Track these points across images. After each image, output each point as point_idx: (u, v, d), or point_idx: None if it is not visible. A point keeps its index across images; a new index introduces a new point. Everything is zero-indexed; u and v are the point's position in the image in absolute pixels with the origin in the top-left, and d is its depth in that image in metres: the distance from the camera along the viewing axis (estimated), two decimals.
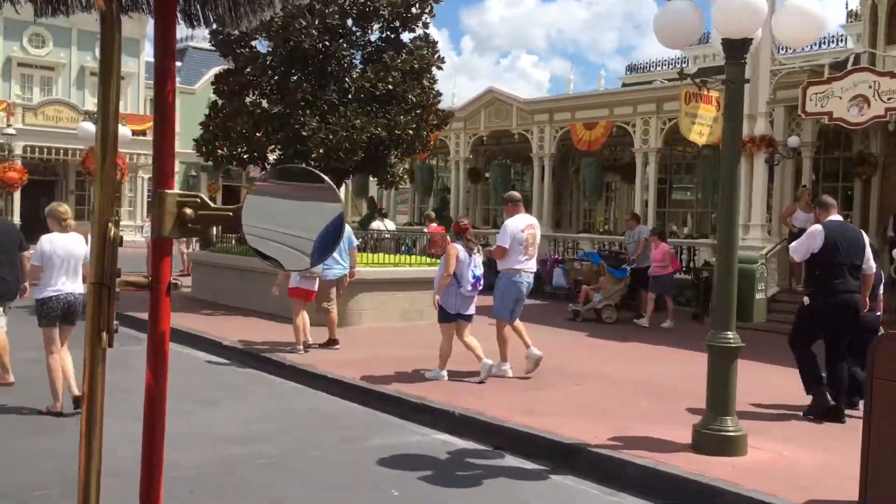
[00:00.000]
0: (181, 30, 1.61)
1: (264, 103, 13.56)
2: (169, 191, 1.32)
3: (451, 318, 8.57)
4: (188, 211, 1.31)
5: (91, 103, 31.63)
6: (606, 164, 21.13)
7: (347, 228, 10.57)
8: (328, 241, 1.36)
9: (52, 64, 32.98)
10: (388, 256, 13.49)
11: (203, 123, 14.55)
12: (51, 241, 6.87)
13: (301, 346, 9.86)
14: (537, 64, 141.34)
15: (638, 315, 13.72)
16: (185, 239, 21.58)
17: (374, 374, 8.71)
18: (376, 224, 17.39)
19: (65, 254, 6.80)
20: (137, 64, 35.42)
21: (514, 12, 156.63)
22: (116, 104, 1.30)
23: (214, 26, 1.64)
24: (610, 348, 11.43)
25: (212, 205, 1.34)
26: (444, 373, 8.57)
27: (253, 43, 14.20)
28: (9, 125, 28.49)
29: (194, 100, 38.78)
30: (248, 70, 13.93)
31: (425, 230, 18.00)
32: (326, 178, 1.35)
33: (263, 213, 1.32)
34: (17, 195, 28.99)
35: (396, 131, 13.44)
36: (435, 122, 14.48)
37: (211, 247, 14.22)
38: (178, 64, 39.51)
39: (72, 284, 6.87)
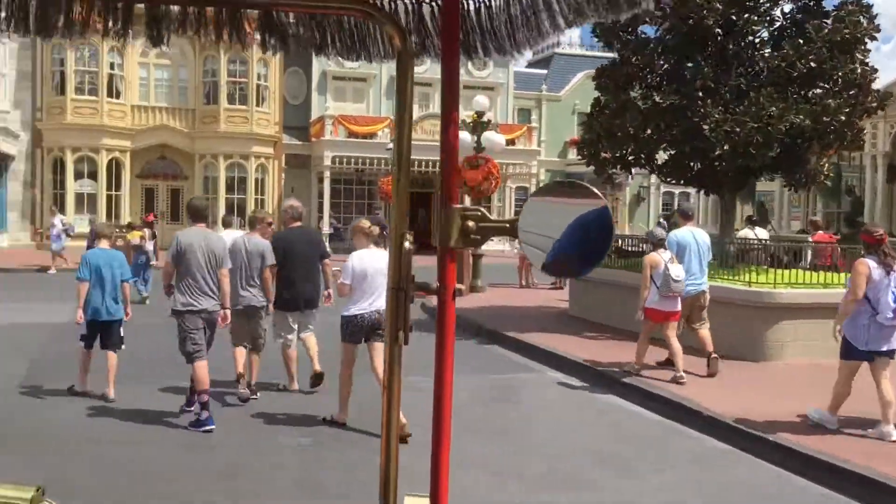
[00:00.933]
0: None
1: (655, 96, 11.69)
2: (454, 205, 1.41)
3: (857, 355, 6.59)
4: (470, 223, 1.41)
5: (464, 114, 32.54)
6: None
7: (707, 239, 9.18)
8: (593, 251, 1.38)
9: (429, 80, 34.59)
10: (815, 275, 10.80)
11: (584, 124, 13.17)
12: (360, 258, 6.67)
13: (682, 374, 8.39)
14: None
15: None
16: None
17: (826, 437, 6.48)
18: (744, 232, 14.90)
19: (374, 271, 6.57)
20: (507, 74, 35.84)
21: None
22: (409, 129, 1.38)
23: (493, 56, 1.81)
24: None
25: (490, 217, 1.43)
26: (833, 417, 6.72)
27: (640, 28, 12.47)
28: (391, 141, 30.14)
29: (560, 107, 38.44)
30: (635, 59, 12.21)
31: (810, 239, 14.96)
32: (594, 188, 1.36)
33: (538, 224, 1.38)
34: None
35: (824, 118, 10.76)
36: (873, 103, 11.50)
37: None
38: (544, 72, 39.43)
39: (379, 300, 6.56)
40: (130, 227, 17.28)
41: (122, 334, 7.65)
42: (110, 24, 1.80)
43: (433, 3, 1.78)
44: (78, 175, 29.19)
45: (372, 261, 6.61)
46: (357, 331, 6.66)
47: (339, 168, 31.81)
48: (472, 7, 1.73)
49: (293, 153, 33.11)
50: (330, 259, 8.18)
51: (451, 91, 1.51)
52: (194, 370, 6.63)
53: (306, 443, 6.48)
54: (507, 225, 1.40)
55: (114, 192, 29.63)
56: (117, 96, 30.02)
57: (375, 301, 6.57)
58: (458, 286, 1.49)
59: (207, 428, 6.52)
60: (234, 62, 30.13)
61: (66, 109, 28.99)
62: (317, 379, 7.87)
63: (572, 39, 40.67)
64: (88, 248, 8.45)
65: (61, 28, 1.78)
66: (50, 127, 29.29)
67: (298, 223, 8.11)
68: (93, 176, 29.36)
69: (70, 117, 28.91)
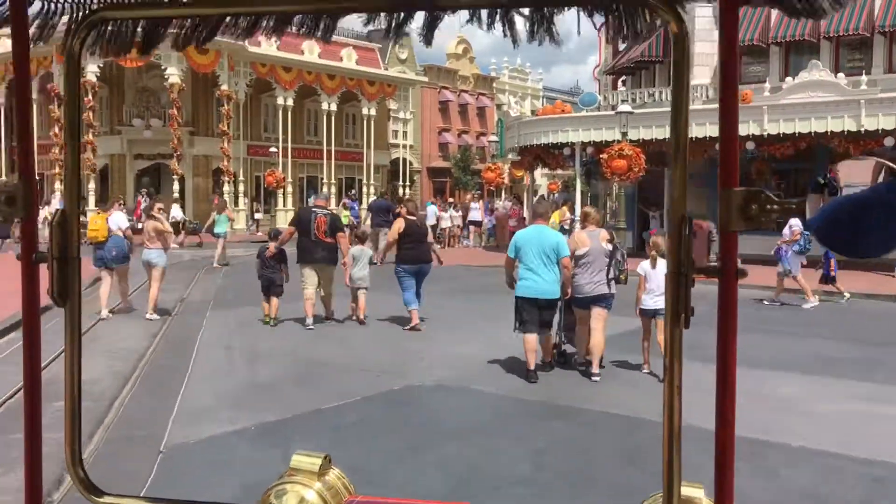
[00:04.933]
0: None
1: None
2: (735, 188, 1.33)
3: None
4: (754, 206, 1.33)
5: None
6: None
7: None
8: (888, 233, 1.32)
9: None
10: None
11: None
12: None
13: None
14: None
15: None
16: None
17: None
18: None
19: None
20: None
21: None
22: (687, 108, 1.29)
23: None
24: None
25: (775, 199, 1.30)
26: None
27: None
28: None
29: None
30: None
31: None
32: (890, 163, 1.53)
33: (831, 202, 1.36)
34: None
35: None
36: None
37: None
38: None
39: None
40: None
41: None
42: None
43: None
44: None
45: None
46: None
47: None
48: None
49: None
50: None
51: (731, 51, 1.38)
52: None
53: None
54: (794, 205, 1.28)
55: None
56: None
57: None
58: (741, 268, 1.41)
59: None
60: None
61: None
62: None
63: None
64: None
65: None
66: None
67: None
68: None
69: None
